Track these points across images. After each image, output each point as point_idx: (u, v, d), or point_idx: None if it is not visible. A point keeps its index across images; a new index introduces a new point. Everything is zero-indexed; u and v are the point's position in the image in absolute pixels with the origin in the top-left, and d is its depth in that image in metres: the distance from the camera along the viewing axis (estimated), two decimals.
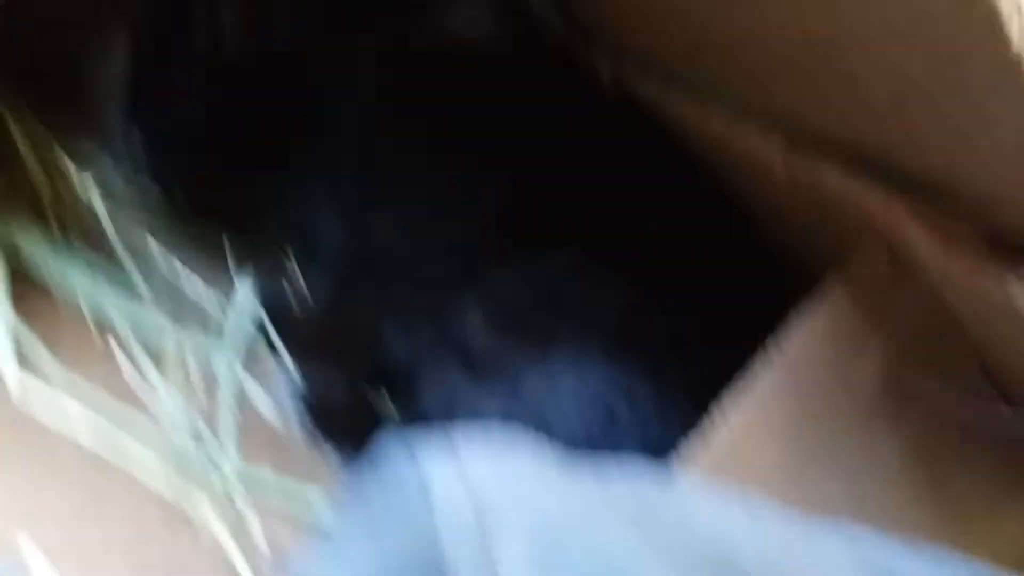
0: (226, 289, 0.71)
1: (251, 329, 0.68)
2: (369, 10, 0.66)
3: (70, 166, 0.69)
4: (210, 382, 0.66)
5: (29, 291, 0.59)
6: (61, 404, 0.56)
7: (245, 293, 0.69)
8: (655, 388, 0.54)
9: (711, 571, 0.34)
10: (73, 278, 0.61)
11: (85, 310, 0.61)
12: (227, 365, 0.66)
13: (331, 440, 0.66)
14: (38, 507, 0.51)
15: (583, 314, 0.60)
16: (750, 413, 0.43)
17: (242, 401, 0.66)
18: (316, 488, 0.63)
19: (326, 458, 0.67)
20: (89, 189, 0.69)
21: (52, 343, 0.58)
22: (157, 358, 0.63)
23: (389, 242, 0.64)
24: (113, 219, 0.69)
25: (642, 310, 0.58)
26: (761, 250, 0.60)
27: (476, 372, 0.59)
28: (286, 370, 0.68)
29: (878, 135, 0.44)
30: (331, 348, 0.67)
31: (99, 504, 0.54)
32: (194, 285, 0.69)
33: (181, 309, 0.66)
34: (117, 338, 0.62)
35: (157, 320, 0.64)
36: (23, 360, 0.56)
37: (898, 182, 0.45)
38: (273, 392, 0.68)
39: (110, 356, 0.61)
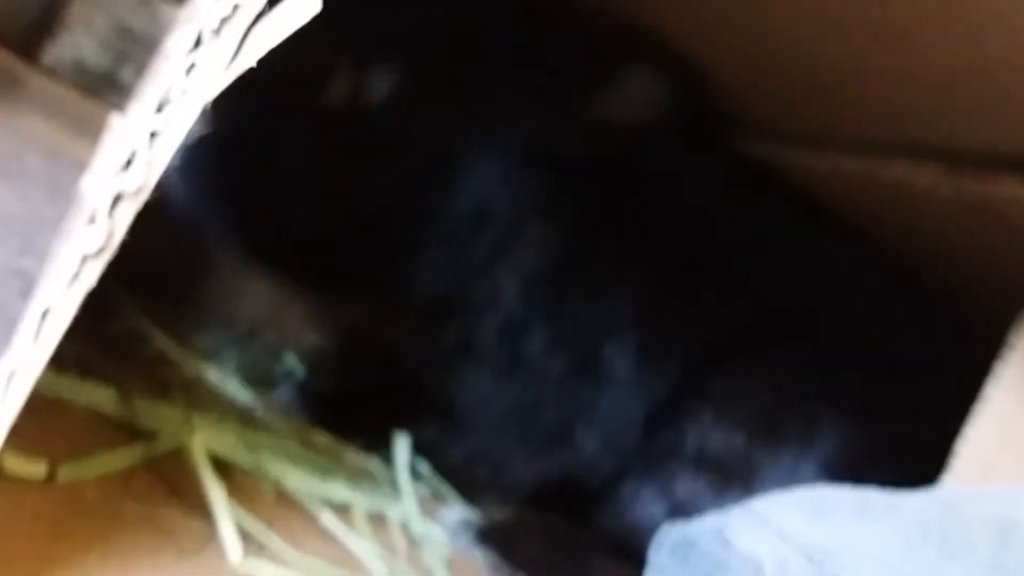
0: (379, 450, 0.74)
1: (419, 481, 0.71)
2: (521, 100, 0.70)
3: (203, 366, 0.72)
4: (396, 534, 0.68)
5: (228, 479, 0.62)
6: (289, 570, 0.58)
7: (402, 449, 0.72)
8: (895, 458, 0.59)
9: None
10: (269, 464, 0.64)
11: (290, 491, 0.64)
12: (409, 516, 0.69)
13: (528, 572, 0.69)
14: None
15: (808, 411, 0.65)
16: (992, 430, 0.48)
17: (438, 549, 0.68)
18: None
19: None
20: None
21: (268, 522, 0.60)
22: (350, 523, 0.66)
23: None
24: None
25: (859, 397, 0.65)
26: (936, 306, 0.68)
27: (709, 473, 0.63)
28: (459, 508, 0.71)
29: None
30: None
31: None
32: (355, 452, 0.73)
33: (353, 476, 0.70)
34: (312, 511, 0.65)
35: (342, 490, 0.67)
36: (247, 538, 0.59)
37: None
38: (452, 531, 0.71)
39: (316, 527, 0.64)
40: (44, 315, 0.41)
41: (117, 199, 0.38)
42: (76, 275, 0.40)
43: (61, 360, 0.63)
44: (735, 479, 0.64)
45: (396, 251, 0.69)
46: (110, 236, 0.39)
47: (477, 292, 0.69)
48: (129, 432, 0.63)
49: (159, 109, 0.40)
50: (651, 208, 0.72)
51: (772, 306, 0.72)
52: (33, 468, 0.53)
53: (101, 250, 0.39)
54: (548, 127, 0.68)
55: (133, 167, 0.39)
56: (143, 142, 0.40)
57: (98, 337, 0.67)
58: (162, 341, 0.71)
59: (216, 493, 0.59)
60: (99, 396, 0.62)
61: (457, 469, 0.75)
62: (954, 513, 0.42)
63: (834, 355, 0.70)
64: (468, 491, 0.74)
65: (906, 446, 0.59)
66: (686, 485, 0.65)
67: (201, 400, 0.69)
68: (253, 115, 0.61)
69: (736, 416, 0.71)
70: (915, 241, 0.64)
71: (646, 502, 0.66)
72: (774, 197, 0.73)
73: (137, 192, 0.38)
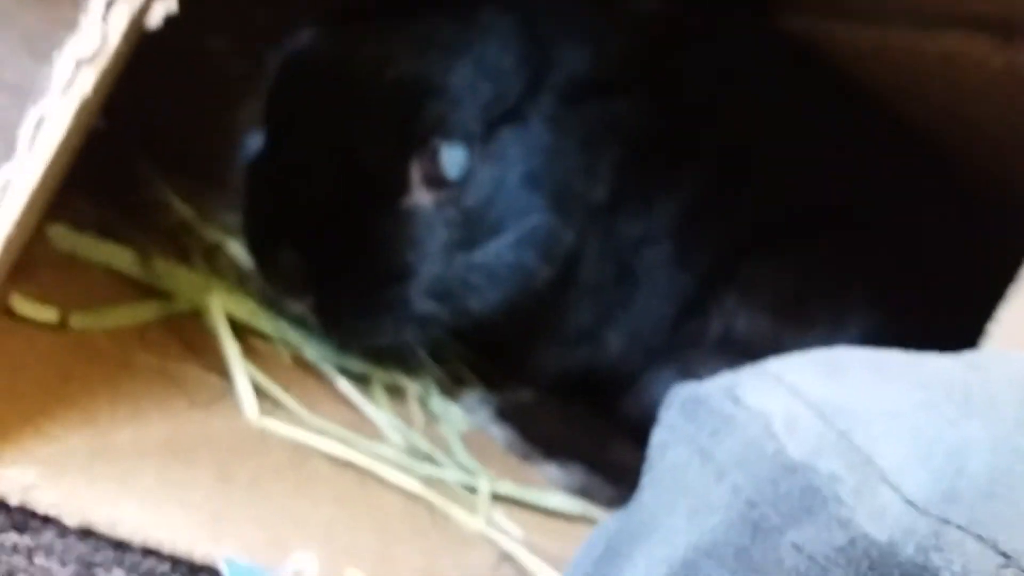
0: None
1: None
2: None
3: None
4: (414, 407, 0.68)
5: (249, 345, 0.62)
6: (303, 430, 0.58)
7: None
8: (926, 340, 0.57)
9: None
10: (286, 333, 0.64)
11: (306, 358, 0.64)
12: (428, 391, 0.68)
13: (543, 449, 0.68)
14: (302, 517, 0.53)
15: (837, 294, 0.63)
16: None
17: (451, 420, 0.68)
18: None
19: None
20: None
21: (284, 385, 0.60)
22: (367, 392, 0.66)
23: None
24: None
25: (889, 283, 0.62)
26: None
27: (733, 356, 0.61)
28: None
29: None
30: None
31: (351, 506, 0.55)
32: None
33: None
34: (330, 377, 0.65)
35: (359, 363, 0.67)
36: (261, 396, 0.59)
37: None
38: (470, 409, 0.70)
39: (333, 393, 0.64)
40: (39, 124, 0.39)
41: (111, 2, 0.36)
42: (70, 82, 0.38)
43: (81, 222, 0.63)
44: (760, 361, 0.62)
45: None
46: (104, 40, 0.37)
47: None
48: (146, 291, 0.62)
49: None
50: (690, 108, 0.70)
51: (805, 201, 0.70)
52: (44, 313, 0.52)
53: (95, 55, 0.37)
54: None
55: None
56: None
57: (121, 203, 0.66)
58: (185, 211, 0.70)
59: (232, 349, 0.59)
60: (118, 255, 0.62)
61: (479, 355, 0.74)
62: (979, 372, 0.39)
63: (865, 243, 0.67)
64: (488, 378, 0.74)
65: (937, 329, 0.56)
66: (709, 367, 0.63)
67: (221, 269, 0.68)
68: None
69: (762, 299, 0.68)
70: (961, 117, 0.61)
71: (665, 384, 0.64)
72: (812, 82, 0.70)
73: None
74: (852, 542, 0.35)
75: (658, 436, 0.44)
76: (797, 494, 0.37)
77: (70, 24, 0.43)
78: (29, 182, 0.41)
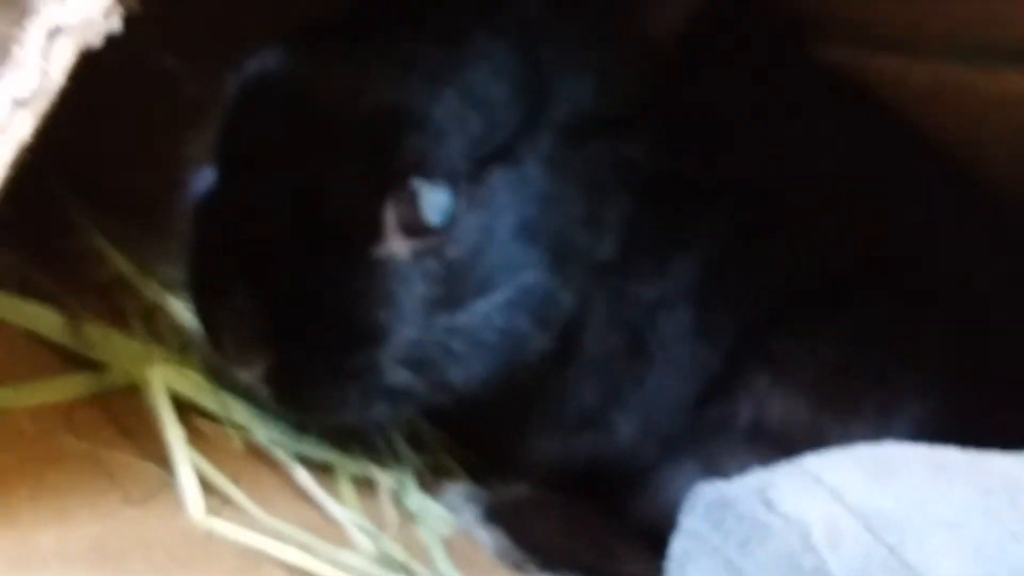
0: None
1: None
2: None
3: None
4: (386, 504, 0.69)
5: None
6: (255, 532, 0.59)
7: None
8: (992, 429, 0.58)
9: None
10: (237, 412, 0.65)
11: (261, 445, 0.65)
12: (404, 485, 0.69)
13: (541, 558, 0.69)
14: None
15: (886, 374, 0.65)
16: None
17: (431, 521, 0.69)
18: None
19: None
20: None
21: (234, 477, 0.61)
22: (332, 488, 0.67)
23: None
24: None
25: (947, 361, 0.64)
26: None
27: (766, 448, 0.62)
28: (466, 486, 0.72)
29: None
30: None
31: None
32: None
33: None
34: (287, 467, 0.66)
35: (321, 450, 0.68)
36: (208, 490, 0.59)
37: None
38: (453, 508, 0.71)
39: (291, 487, 0.65)
40: None
41: (54, 34, 0.38)
42: (5, 126, 0.40)
43: None
44: (797, 455, 0.63)
45: None
46: (45, 77, 0.39)
47: None
48: (74, 362, 0.63)
49: None
50: (712, 148, 0.72)
51: (847, 256, 0.71)
52: None
53: (34, 95, 0.39)
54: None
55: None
56: None
57: (44, 254, 0.68)
58: (121, 264, 0.71)
59: (175, 433, 0.60)
60: (42, 318, 0.63)
61: (464, 440, 0.75)
62: None
63: (919, 310, 0.68)
64: (475, 469, 0.74)
65: (1002, 420, 0.58)
66: (736, 461, 0.64)
67: (162, 334, 0.69)
68: None
69: (798, 379, 0.69)
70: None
71: (686, 481, 0.64)
72: (855, 119, 0.72)
73: (81, 27, 0.38)
74: None
75: (679, 546, 0.45)
76: None
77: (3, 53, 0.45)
78: None
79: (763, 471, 0.44)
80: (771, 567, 0.41)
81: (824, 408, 0.69)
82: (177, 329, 0.70)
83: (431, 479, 0.73)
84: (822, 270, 0.71)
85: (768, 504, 0.43)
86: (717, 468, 0.66)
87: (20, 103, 0.42)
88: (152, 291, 0.71)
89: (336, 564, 0.60)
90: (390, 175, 0.64)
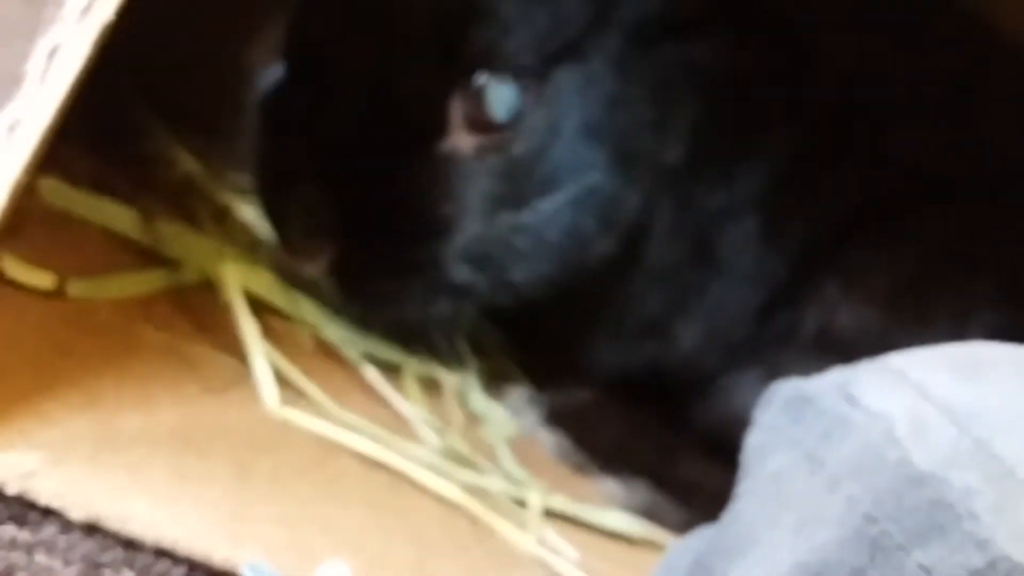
0: None
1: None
2: None
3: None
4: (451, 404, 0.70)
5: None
6: (330, 423, 0.60)
7: None
8: None
9: None
10: (306, 311, 0.66)
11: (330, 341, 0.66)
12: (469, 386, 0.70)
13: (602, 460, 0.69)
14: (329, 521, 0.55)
15: (962, 283, 0.64)
16: None
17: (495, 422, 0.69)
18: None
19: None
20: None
21: (307, 372, 0.62)
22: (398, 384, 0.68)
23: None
24: None
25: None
26: None
27: (833, 357, 0.63)
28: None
29: None
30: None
31: (383, 511, 0.58)
32: None
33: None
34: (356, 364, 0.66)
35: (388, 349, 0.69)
36: (282, 383, 0.60)
37: None
38: (515, 410, 0.71)
39: (359, 383, 0.66)
40: (51, 54, 0.41)
41: None
42: (87, 7, 0.40)
43: (73, 176, 0.65)
44: None
45: None
46: None
47: None
48: (149, 259, 0.64)
49: None
50: (786, 53, 0.71)
51: (924, 168, 0.70)
52: (39, 278, 0.54)
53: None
54: None
55: None
56: None
57: (117, 156, 0.68)
58: (191, 166, 0.72)
59: (250, 329, 0.61)
60: (119, 216, 0.64)
61: (526, 345, 0.75)
62: None
63: (996, 220, 0.68)
64: (537, 374, 0.75)
65: None
66: (802, 371, 0.64)
67: (233, 235, 0.70)
68: None
69: (869, 288, 0.69)
70: None
71: (749, 390, 0.64)
72: (943, 28, 0.71)
73: None
74: (992, 565, 0.36)
75: (755, 439, 0.45)
76: (925, 509, 0.38)
77: None
78: (40, 122, 0.43)
79: (844, 369, 0.43)
80: (853, 459, 0.41)
81: (896, 318, 0.68)
82: (246, 232, 0.71)
83: (493, 382, 0.74)
84: (896, 182, 0.71)
85: (850, 399, 0.43)
86: (781, 377, 0.66)
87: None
88: (222, 194, 0.71)
89: (407, 456, 0.61)
90: (456, 69, 0.64)
